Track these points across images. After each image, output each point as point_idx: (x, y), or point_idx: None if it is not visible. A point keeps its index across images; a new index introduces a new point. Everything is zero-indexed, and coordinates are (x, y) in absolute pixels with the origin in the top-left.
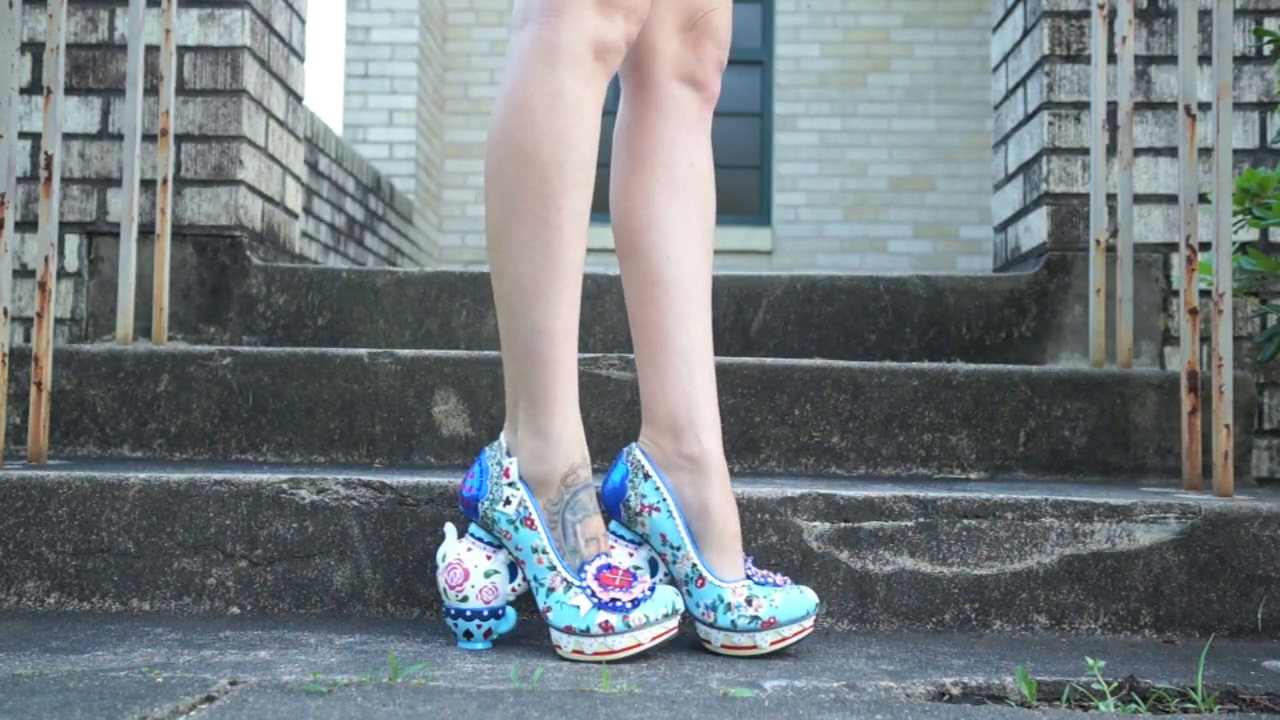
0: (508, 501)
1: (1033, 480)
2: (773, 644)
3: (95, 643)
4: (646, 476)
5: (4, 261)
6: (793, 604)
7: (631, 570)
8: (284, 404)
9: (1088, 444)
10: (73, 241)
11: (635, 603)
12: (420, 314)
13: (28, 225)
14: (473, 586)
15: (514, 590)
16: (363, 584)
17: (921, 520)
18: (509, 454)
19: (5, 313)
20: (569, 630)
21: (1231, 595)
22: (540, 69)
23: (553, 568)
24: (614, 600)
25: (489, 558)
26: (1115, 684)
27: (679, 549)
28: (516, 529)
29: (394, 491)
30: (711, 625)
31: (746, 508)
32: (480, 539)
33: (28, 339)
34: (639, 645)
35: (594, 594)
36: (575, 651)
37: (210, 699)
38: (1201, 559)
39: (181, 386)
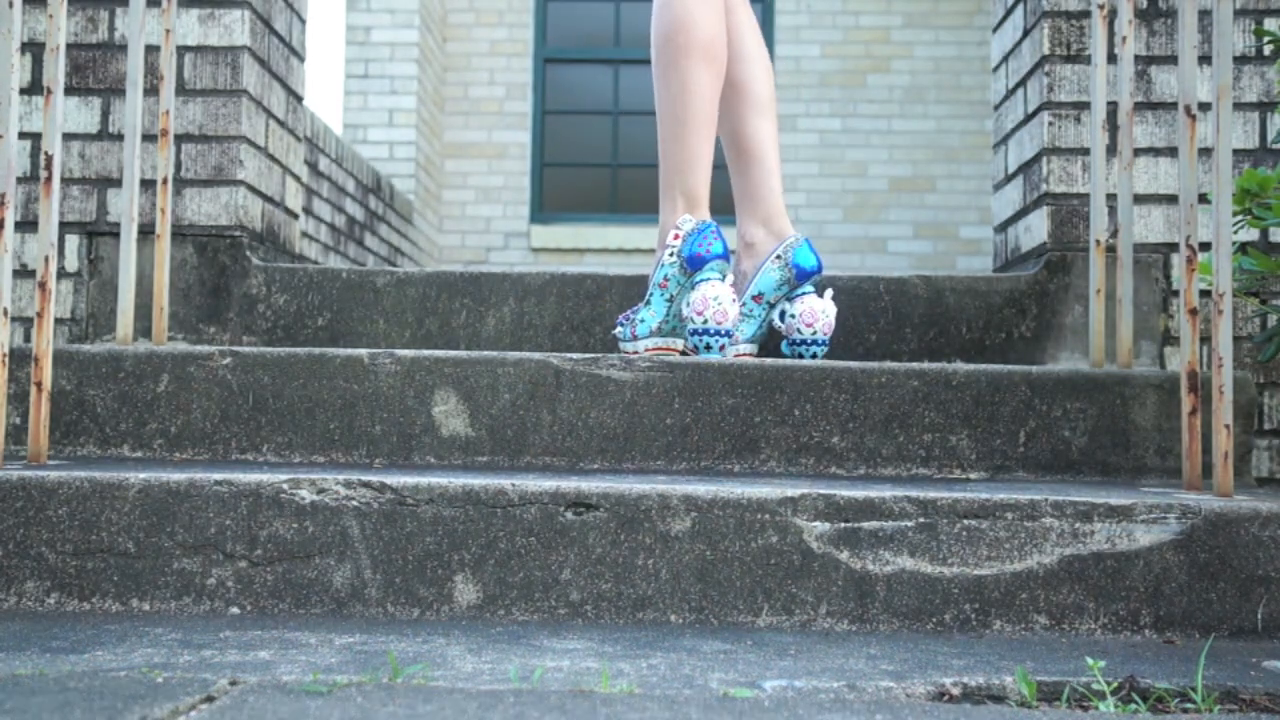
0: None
1: (1033, 480)
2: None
3: (95, 643)
4: None
5: (4, 261)
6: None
7: None
8: (284, 404)
9: (1088, 444)
10: (73, 241)
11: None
12: (420, 314)
13: (28, 225)
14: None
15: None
16: (363, 584)
17: (921, 520)
18: None
19: (5, 313)
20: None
21: (1231, 595)
22: None
23: None
24: None
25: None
26: (1115, 684)
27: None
28: None
29: (394, 491)
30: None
31: (746, 508)
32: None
33: (28, 339)
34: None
35: None
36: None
37: (210, 699)
38: (1201, 559)
39: (181, 387)
